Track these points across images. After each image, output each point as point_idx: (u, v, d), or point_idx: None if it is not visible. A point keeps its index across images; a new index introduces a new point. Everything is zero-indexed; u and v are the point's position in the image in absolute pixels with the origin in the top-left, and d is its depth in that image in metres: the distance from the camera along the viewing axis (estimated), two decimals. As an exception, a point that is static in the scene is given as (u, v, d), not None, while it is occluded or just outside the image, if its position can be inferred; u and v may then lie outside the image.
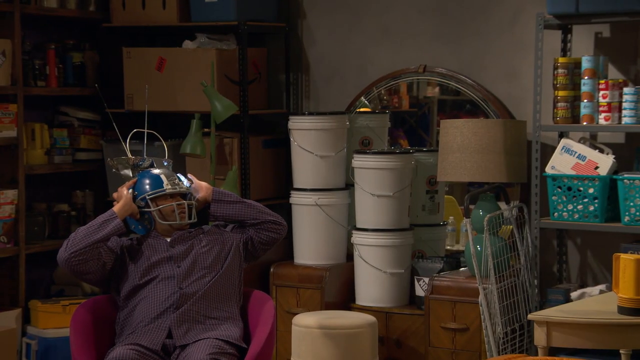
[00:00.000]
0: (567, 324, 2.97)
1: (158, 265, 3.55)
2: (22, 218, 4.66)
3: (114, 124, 4.02)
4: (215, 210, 3.63)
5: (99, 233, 3.47)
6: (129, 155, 3.77)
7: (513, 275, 4.16)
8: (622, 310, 2.94)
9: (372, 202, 4.45)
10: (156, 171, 3.67)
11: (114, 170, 3.80)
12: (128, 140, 3.79)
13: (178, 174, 3.71)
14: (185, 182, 3.69)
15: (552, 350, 3.31)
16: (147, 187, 3.61)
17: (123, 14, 4.98)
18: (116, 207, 3.56)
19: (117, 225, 3.50)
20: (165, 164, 3.78)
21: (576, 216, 4.11)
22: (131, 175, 3.71)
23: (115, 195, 3.65)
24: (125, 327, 3.52)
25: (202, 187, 3.67)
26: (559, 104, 4.18)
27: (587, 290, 4.12)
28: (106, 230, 3.48)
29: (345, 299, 4.57)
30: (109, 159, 3.80)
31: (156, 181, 3.62)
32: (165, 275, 3.53)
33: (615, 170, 4.11)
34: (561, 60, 4.20)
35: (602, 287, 4.12)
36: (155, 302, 3.49)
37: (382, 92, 4.94)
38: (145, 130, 3.84)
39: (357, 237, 4.50)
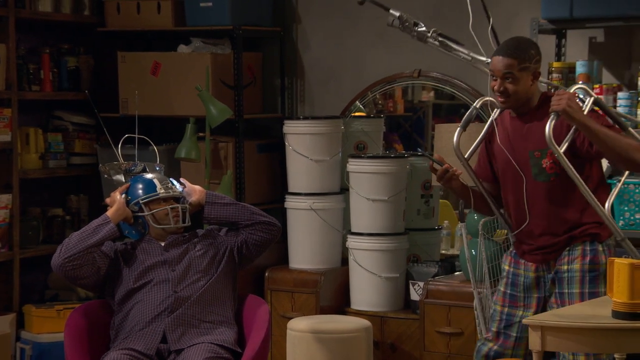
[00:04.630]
0: (561, 329, 2.97)
1: (152, 269, 3.54)
2: (17, 223, 4.66)
3: (104, 129, 4.02)
4: (209, 212, 3.63)
5: (93, 238, 3.47)
6: (121, 160, 3.76)
7: (508, 279, 4.16)
8: (616, 314, 2.94)
9: (367, 207, 4.45)
10: (149, 176, 3.67)
11: (105, 176, 3.79)
12: (120, 145, 3.78)
13: (170, 179, 3.71)
14: (178, 186, 3.69)
15: (546, 355, 3.31)
16: (140, 191, 3.61)
17: (118, 18, 4.98)
18: (110, 212, 3.56)
19: (110, 229, 3.50)
20: (157, 168, 3.77)
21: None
22: (123, 180, 3.71)
23: (108, 200, 3.64)
24: (120, 332, 3.52)
25: (195, 191, 3.67)
26: (554, 109, 4.18)
27: (582, 294, 4.12)
28: (100, 235, 3.48)
29: (340, 304, 4.57)
30: (100, 165, 3.80)
31: (149, 185, 3.62)
32: (159, 279, 3.52)
33: (610, 174, 4.11)
34: (555, 64, 4.21)
35: (596, 291, 4.11)
36: (150, 306, 3.48)
37: (377, 96, 4.94)
38: (136, 136, 3.84)
39: (352, 242, 4.50)
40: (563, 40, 4.33)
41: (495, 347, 3.44)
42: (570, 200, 3.30)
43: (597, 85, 4.10)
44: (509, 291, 3.45)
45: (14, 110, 4.64)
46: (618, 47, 4.31)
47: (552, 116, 3.16)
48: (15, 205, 4.65)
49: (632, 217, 4.01)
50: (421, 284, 4.31)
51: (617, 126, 3.29)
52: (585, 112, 3.20)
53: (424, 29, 3.65)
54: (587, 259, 3.32)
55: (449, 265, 4.45)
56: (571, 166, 3.19)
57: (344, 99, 4.91)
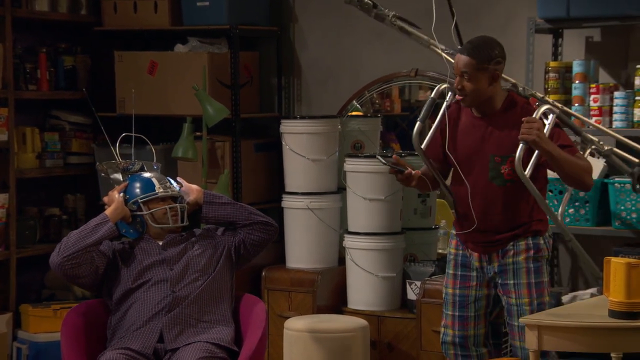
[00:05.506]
0: (558, 328, 2.97)
1: (150, 269, 3.54)
2: (13, 222, 4.65)
3: (102, 128, 4.01)
4: (207, 212, 3.63)
5: (92, 237, 3.46)
6: (119, 159, 3.76)
7: (504, 278, 4.16)
8: (613, 313, 2.95)
9: (364, 206, 4.45)
10: (147, 175, 3.66)
11: (102, 174, 3.78)
12: (118, 144, 3.77)
13: (168, 178, 3.71)
14: (175, 185, 3.68)
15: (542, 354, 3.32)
16: (139, 190, 3.61)
17: (115, 17, 4.98)
18: (108, 211, 3.55)
19: (109, 228, 3.50)
20: (155, 167, 3.77)
21: (567, 220, 4.12)
22: (121, 179, 3.71)
23: (106, 199, 3.64)
24: (117, 331, 3.51)
25: (192, 190, 3.67)
26: (550, 108, 4.19)
27: (579, 293, 4.13)
28: (99, 234, 3.48)
29: (337, 303, 4.57)
30: (97, 164, 3.79)
31: (148, 184, 3.62)
32: (158, 279, 3.52)
33: (607, 174, 4.12)
34: (552, 64, 4.21)
35: (593, 290, 4.13)
36: (148, 306, 3.48)
37: (374, 95, 4.94)
38: (133, 135, 3.83)
39: (349, 241, 4.50)
40: (560, 40, 4.34)
41: (458, 332, 3.49)
42: (520, 205, 3.42)
43: (593, 85, 4.11)
44: (459, 272, 3.51)
45: (10, 110, 4.64)
46: (615, 46, 4.32)
47: (521, 145, 3.27)
48: (12, 204, 4.64)
49: (628, 216, 4.02)
50: (418, 283, 4.31)
51: (573, 143, 3.42)
52: (549, 129, 3.32)
53: (382, 11, 3.69)
54: (531, 252, 3.43)
55: (445, 264, 4.45)
56: (532, 185, 3.32)
57: (341, 98, 4.91)
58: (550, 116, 3.32)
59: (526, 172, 3.29)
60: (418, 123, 3.44)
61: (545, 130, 3.28)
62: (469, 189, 3.42)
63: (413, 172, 3.45)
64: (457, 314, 3.50)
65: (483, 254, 3.45)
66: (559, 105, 3.71)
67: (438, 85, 3.49)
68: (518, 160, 3.26)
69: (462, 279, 3.50)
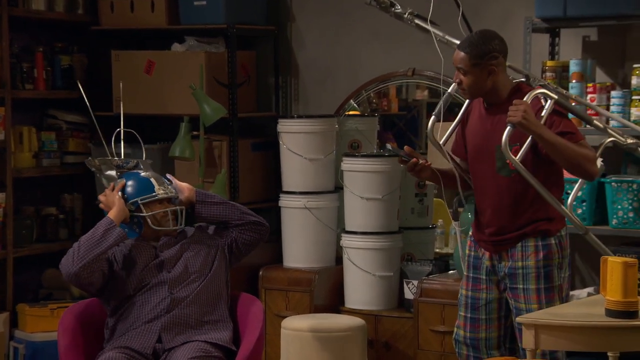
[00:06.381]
0: (555, 327, 2.98)
1: (149, 272, 3.52)
2: (10, 222, 4.65)
3: (96, 126, 3.98)
4: (200, 211, 3.61)
5: (104, 244, 3.40)
6: (113, 156, 3.72)
7: (502, 278, 4.16)
8: (609, 313, 2.96)
9: (361, 205, 4.45)
10: (144, 174, 3.63)
11: (93, 169, 3.71)
12: (113, 142, 3.74)
13: (162, 177, 3.68)
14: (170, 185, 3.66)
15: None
16: (138, 191, 3.57)
17: (112, 16, 4.97)
18: (112, 214, 3.47)
19: (119, 234, 3.43)
20: (149, 161, 3.74)
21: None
22: (115, 176, 3.65)
23: (102, 198, 3.57)
24: (115, 331, 3.50)
25: (184, 189, 3.63)
26: (547, 107, 4.19)
27: (575, 293, 4.14)
28: (110, 241, 3.41)
29: (335, 302, 4.57)
30: (89, 158, 3.71)
31: (147, 185, 3.57)
32: (156, 282, 3.50)
33: (604, 173, 4.12)
34: (549, 63, 4.22)
35: (590, 289, 4.13)
36: (146, 309, 3.47)
37: (372, 95, 4.94)
38: (122, 129, 3.80)
39: (347, 240, 4.50)
40: (557, 39, 4.34)
41: (469, 334, 3.49)
42: (527, 197, 3.36)
43: (590, 84, 4.11)
44: (471, 274, 3.50)
45: (7, 109, 4.64)
46: (611, 45, 4.32)
47: (508, 127, 3.22)
48: (9, 204, 4.64)
49: (625, 216, 4.02)
50: (415, 282, 4.31)
51: (578, 131, 3.32)
52: (546, 114, 3.25)
53: (400, 10, 3.70)
54: (541, 254, 3.37)
55: (443, 264, 4.46)
56: (529, 172, 3.26)
57: (338, 97, 4.92)
58: (548, 102, 3.27)
59: (517, 157, 3.23)
60: (433, 117, 3.42)
61: (542, 116, 3.23)
62: (481, 184, 3.42)
63: (421, 160, 3.42)
64: (469, 315, 3.49)
65: (494, 252, 3.43)
66: (573, 95, 3.64)
67: (454, 84, 3.47)
68: (504, 144, 3.21)
69: (473, 281, 3.49)
